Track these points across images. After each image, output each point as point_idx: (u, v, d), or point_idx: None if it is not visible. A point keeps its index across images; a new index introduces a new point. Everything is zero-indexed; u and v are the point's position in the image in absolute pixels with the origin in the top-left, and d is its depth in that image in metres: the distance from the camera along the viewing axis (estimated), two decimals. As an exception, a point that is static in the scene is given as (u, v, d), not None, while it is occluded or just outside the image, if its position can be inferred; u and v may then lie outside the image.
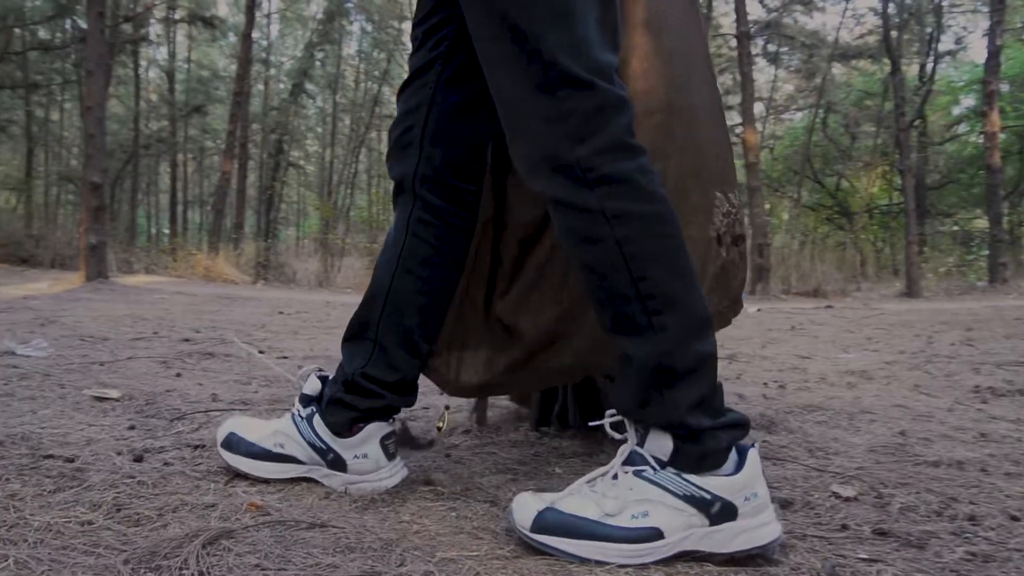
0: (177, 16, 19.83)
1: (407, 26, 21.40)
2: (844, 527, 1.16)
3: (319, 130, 24.82)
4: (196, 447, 1.55)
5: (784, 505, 1.26)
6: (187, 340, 3.42)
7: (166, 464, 1.43)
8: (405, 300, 1.29)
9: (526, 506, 1.04)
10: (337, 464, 1.30)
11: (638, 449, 1.04)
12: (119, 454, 1.48)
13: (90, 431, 1.71)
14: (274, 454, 1.32)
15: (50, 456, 1.43)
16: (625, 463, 1.05)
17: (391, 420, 1.33)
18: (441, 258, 1.28)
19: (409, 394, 1.34)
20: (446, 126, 1.23)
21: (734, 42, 13.44)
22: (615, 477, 1.05)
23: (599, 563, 0.99)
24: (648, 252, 1.01)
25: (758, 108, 18.70)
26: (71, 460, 1.41)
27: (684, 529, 1.00)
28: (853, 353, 3.76)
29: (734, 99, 17.85)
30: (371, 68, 23.05)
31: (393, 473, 1.31)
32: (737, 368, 3.13)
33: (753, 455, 1.03)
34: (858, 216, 16.67)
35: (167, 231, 23.60)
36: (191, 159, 25.10)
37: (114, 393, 2.13)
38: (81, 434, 1.67)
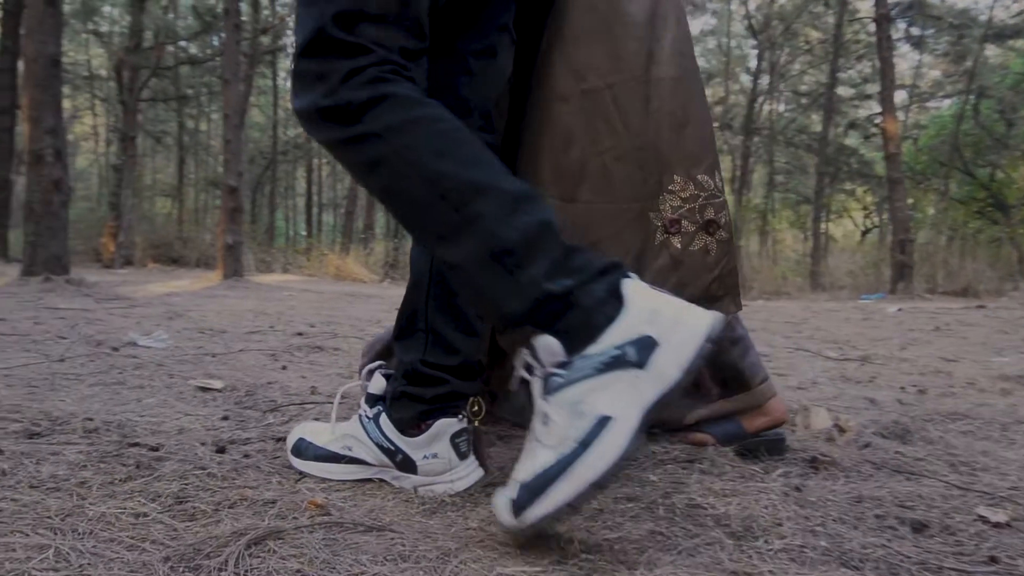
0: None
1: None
2: (992, 559, 0.97)
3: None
4: (279, 440, 1.51)
5: (917, 529, 1.07)
6: (300, 334, 3.47)
7: (245, 456, 1.39)
8: (450, 284, 1.21)
9: (501, 507, 0.96)
10: (407, 465, 1.22)
11: (546, 370, 0.96)
12: (203, 444, 1.46)
13: (184, 420, 1.71)
14: (342, 457, 1.26)
15: (136, 444, 1.42)
16: (543, 394, 0.96)
17: (460, 416, 1.23)
18: None
19: (473, 378, 1.25)
20: (449, 100, 1.14)
21: (872, 26, 12.61)
22: (545, 420, 0.95)
23: (589, 493, 0.90)
24: (433, 151, 0.98)
25: (900, 96, 17.54)
26: (155, 449, 1.40)
27: (629, 390, 0.91)
28: (1009, 356, 3.37)
29: (873, 87, 16.82)
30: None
31: (467, 473, 1.21)
32: (871, 371, 2.85)
33: (629, 283, 0.95)
34: (1015, 209, 15.30)
35: (303, 233, 24.73)
36: (325, 163, 26.17)
37: (217, 384, 2.16)
38: (175, 423, 1.67)
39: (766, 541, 0.99)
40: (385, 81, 0.99)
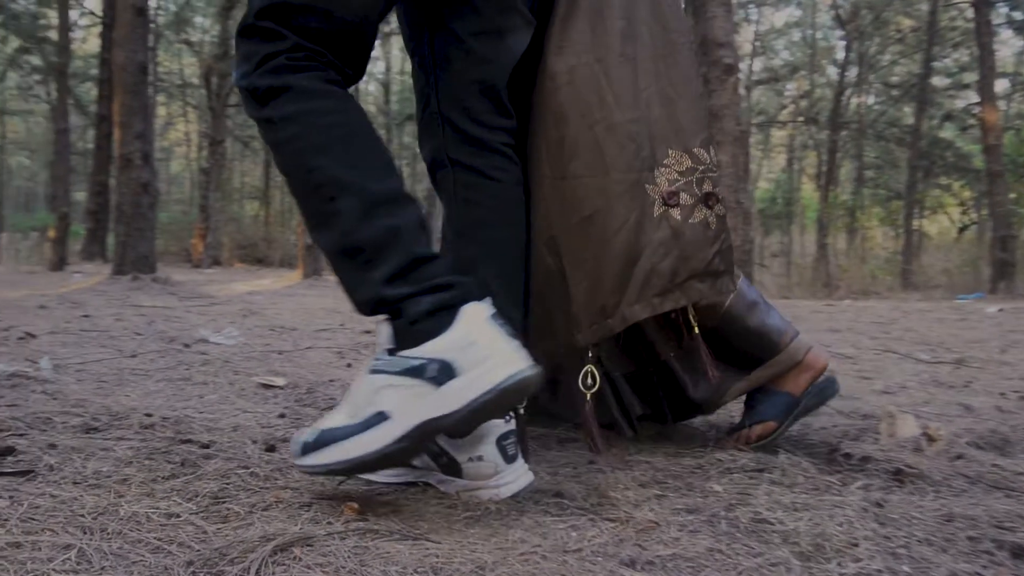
0: (387, 30, 20.99)
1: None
2: (1107, 593, 0.84)
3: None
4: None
5: (1018, 554, 0.95)
6: (368, 332, 3.47)
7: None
8: (479, 273, 1.16)
9: (295, 440, 1.06)
10: (451, 468, 1.16)
11: (379, 351, 1.05)
12: (254, 442, 1.43)
13: (241, 417, 1.70)
14: None
15: (188, 440, 1.41)
16: (368, 368, 1.05)
17: (507, 417, 1.17)
18: (497, 216, 1.19)
19: None
20: (451, 83, 1.17)
21: (970, 12, 11.95)
22: (355, 389, 1.06)
23: (350, 468, 1.02)
24: (314, 145, 1.03)
25: (1001, 84, 16.59)
26: (205, 446, 1.38)
27: (413, 400, 0.98)
28: (1125, 361, 3.09)
29: (970, 76, 15.96)
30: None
31: (514, 479, 1.15)
32: (966, 375, 2.65)
33: (469, 309, 1.01)
34: None
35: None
36: (404, 164, 26.54)
37: (280, 381, 2.15)
38: (232, 420, 1.66)
39: (839, 564, 0.89)
40: (291, 70, 1.04)
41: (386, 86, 24.40)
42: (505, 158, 1.22)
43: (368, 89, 28.48)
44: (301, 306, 4.92)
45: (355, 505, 1.03)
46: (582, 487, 1.18)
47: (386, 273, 1.02)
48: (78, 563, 0.82)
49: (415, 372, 0.99)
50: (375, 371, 1.03)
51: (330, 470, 1.02)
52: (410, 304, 1.01)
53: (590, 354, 1.26)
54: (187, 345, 2.72)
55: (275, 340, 3.03)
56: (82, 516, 0.95)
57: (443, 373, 0.98)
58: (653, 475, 1.27)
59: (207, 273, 10.52)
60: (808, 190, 22.32)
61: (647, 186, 1.21)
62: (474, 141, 1.19)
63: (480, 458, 1.14)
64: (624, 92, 1.22)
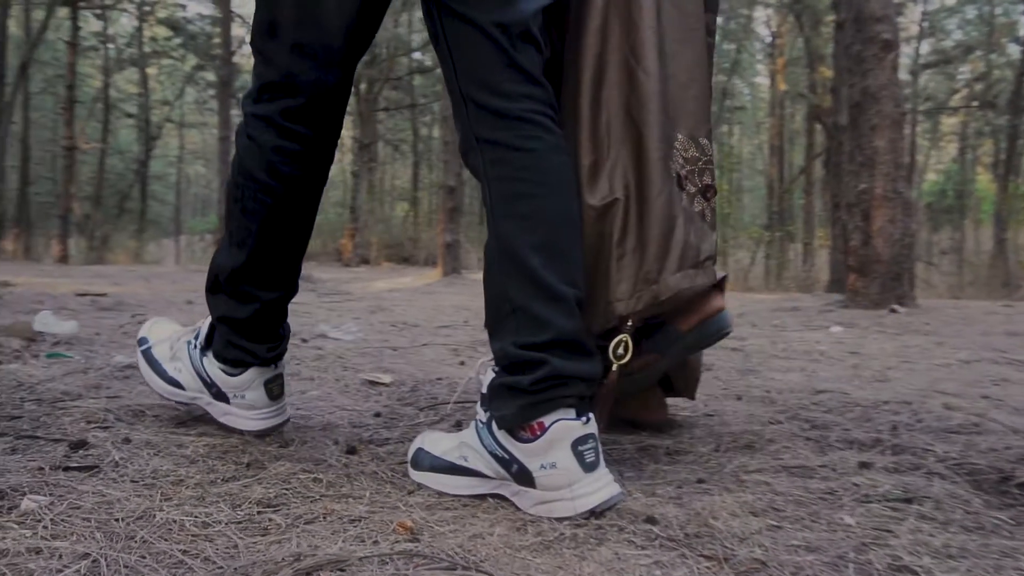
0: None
1: (758, 13, 20.39)
2: None
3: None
4: (411, 441, 1.38)
5: None
6: (491, 330, 3.38)
7: (374, 459, 1.26)
8: (517, 248, 1.05)
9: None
10: (524, 477, 1.02)
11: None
12: (335, 443, 1.35)
13: (336, 415, 1.63)
14: (458, 467, 1.09)
15: (266, 438, 1.34)
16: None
17: (584, 418, 1.01)
18: (532, 186, 1.09)
19: (581, 355, 1.04)
20: (466, 60, 1.12)
21: None
22: None
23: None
24: (253, 209, 1.25)
25: None
26: (284, 445, 1.32)
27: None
28: None
29: None
30: (720, 60, 22.34)
31: (593, 489, 0.99)
32: None
33: (254, 370, 1.34)
34: None
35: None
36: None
37: (386, 378, 2.09)
38: (324, 418, 1.59)
39: (1005, 638, 0.67)
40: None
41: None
42: (533, 125, 1.11)
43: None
44: (433, 303, 4.93)
45: (408, 523, 0.91)
46: (681, 512, 1.01)
47: (226, 312, 1.33)
48: (89, 571, 0.74)
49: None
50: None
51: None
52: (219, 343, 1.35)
53: (629, 323, 1.20)
54: (305, 340, 2.72)
55: (394, 336, 3.00)
56: (117, 521, 0.88)
57: (220, 396, 1.31)
58: (770, 500, 1.08)
59: (354, 271, 10.91)
60: (983, 181, 20.39)
61: (670, 162, 1.21)
62: (495, 112, 1.10)
63: (553, 465, 1.00)
64: (652, 65, 1.19)
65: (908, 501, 1.07)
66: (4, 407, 1.41)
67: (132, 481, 1.04)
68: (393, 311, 4.08)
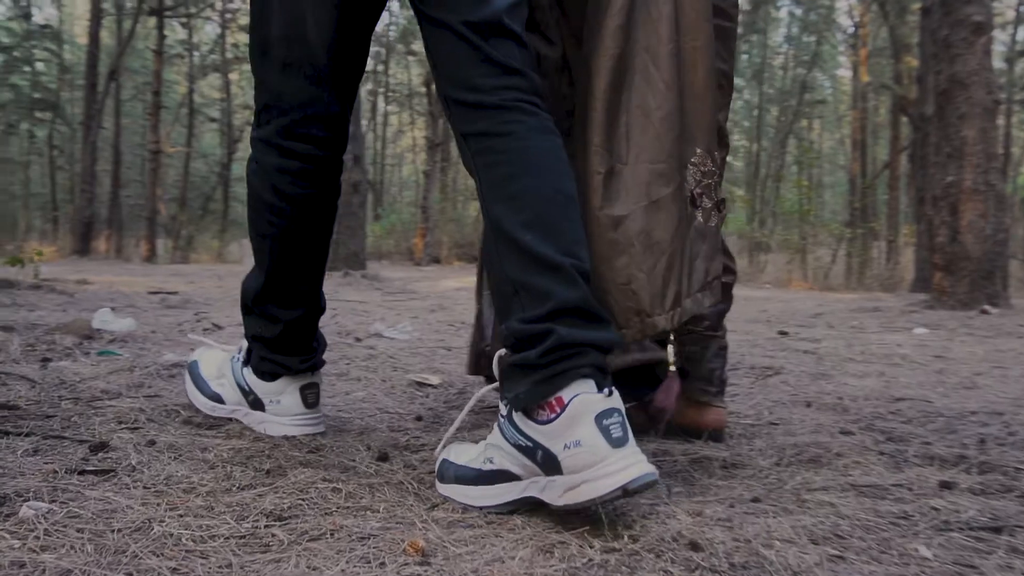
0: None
1: (840, 3, 19.71)
2: None
3: (745, 124, 24.10)
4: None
5: None
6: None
7: (406, 467, 1.20)
8: (509, 228, 1.02)
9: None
10: (550, 465, 0.94)
11: None
12: (368, 448, 1.29)
13: (376, 418, 1.58)
14: (484, 473, 1.01)
15: (295, 441, 1.29)
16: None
17: (606, 390, 0.95)
18: (518, 167, 1.05)
19: (585, 320, 0.99)
20: (446, 62, 1.12)
21: None
22: None
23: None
24: (263, 230, 1.29)
25: None
26: (314, 450, 1.26)
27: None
28: None
29: None
30: (800, 52, 21.68)
31: (624, 466, 0.91)
32: None
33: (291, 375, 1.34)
34: None
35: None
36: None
37: (435, 379, 2.02)
38: (364, 421, 1.54)
39: None
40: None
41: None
42: (512, 111, 1.08)
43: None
44: (496, 302, 4.86)
45: (420, 543, 0.83)
46: (729, 537, 0.90)
47: (257, 331, 1.35)
48: (59, 592, 0.69)
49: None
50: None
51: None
52: (252, 357, 1.39)
53: (672, 336, 1.26)
54: (359, 339, 2.68)
55: (449, 336, 2.94)
56: (113, 532, 0.83)
57: (256, 404, 1.30)
58: (834, 524, 0.96)
59: (423, 270, 10.96)
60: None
61: (684, 183, 1.17)
62: (474, 106, 1.09)
63: (578, 443, 0.92)
64: (672, 80, 1.15)
65: (997, 531, 0.94)
66: (41, 405, 1.40)
67: (144, 487, 1.00)
68: (453, 310, 4.03)
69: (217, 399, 1.42)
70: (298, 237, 1.29)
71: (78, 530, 0.83)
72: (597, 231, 1.13)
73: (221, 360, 1.46)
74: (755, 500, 1.07)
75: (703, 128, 1.19)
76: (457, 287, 6.98)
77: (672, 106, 1.16)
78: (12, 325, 2.21)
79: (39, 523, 0.83)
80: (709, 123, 1.20)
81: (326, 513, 0.94)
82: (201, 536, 0.83)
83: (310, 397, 1.37)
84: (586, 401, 0.93)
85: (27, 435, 1.20)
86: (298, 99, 1.20)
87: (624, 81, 1.15)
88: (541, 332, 0.97)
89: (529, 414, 0.97)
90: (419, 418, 1.60)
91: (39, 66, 20.81)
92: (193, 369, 1.48)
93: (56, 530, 0.82)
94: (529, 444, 0.96)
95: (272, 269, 1.30)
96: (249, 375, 1.38)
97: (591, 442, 0.91)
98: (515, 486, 0.99)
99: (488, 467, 1.00)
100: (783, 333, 3.50)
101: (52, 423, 1.28)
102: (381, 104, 22.94)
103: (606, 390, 0.95)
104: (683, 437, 1.45)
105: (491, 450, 1.02)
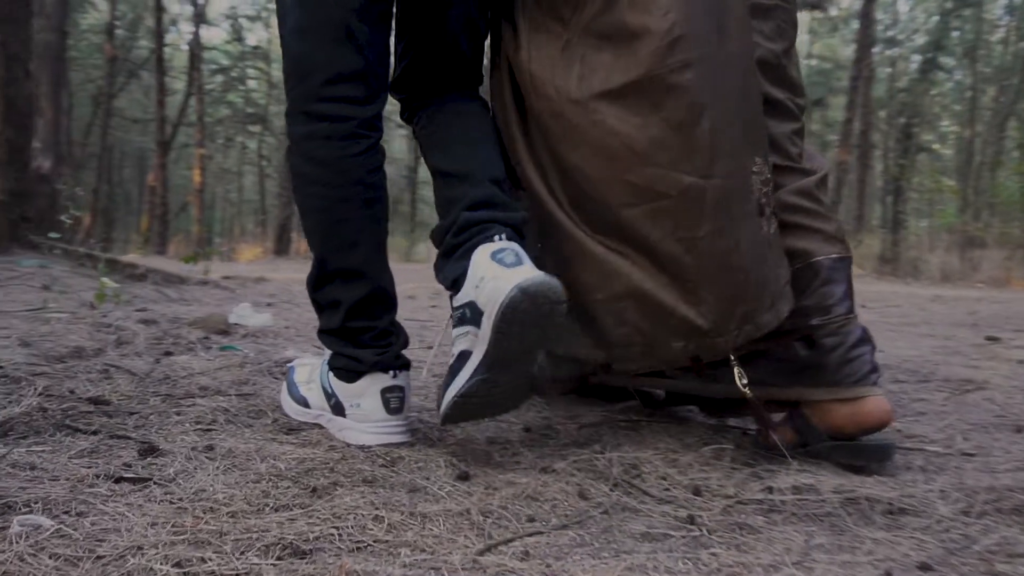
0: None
1: (1076, -38, 17.26)
2: None
3: (956, 108, 21.81)
4: (545, 471, 1.11)
5: None
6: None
7: (486, 490, 1.04)
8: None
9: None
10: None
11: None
12: (450, 465, 1.12)
13: (479, 427, 1.41)
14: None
15: (372, 453, 1.14)
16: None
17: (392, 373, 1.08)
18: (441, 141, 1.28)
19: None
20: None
21: None
22: None
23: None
24: (306, 205, 1.23)
25: None
26: (388, 464, 1.11)
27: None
28: None
29: None
30: (1023, 25, 19.24)
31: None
32: None
33: (371, 376, 1.22)
34: None
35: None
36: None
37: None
38: (466, 430, 1.37)
39: None
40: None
41: (792, 71, 22.93)
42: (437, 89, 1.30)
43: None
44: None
45: (348, 564, 0.64)
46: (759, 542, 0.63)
47: (319, 327, 1.28)
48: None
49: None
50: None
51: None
52: (332, 358, 1.27)
53: (732, 358, 1.19)
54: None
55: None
56: (92, 560, 0.71)
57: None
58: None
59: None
60: None
61: (751, 194, 1.14)
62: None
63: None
64: (734, 90, 1.13)
65: None
66: (130, 401, 1.35)
67: (168, 502, 0.88)
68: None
69: (303, 403, 1.32)
70: (340, 204, 1.20)
71: (52, 556, 0.71)
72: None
73: (315, 363, 1.37)
74: (924, 567, 0.79)
75: (759, 137, 1.17)
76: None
77: (741, 118, 1.13)
78: (156, 319, 2.26)
79: (16, 544, 0.72)
80: (763, 133, 1.18)
81: (350, 550, 0.78)
82: (183, 572, 0.69)
83: (392, 401, 1.23)
84: (484, 251, 1.10)
85: (94, 433, 1.14)
86: (319, 61, 1.16)
87: (708, 87, 1.10)
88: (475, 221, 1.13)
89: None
90: (527, 429, 1.41)
91: (251, 84, 22.74)
92: (290, 371, 1.39)
93: (31, 554, 0.71)
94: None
95: (323, 245, 1.22)
96: (332, 377, 1.27)
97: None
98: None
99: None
100: (992, 339, 2.97)
101: (127, 421, 1.22)
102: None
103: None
104: (837, 466, 1.16)
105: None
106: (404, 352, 1.28)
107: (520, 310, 1.03)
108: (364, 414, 1.23)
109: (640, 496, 1.03)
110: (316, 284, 1.26)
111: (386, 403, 1.23)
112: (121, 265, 3.45)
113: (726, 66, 1.11)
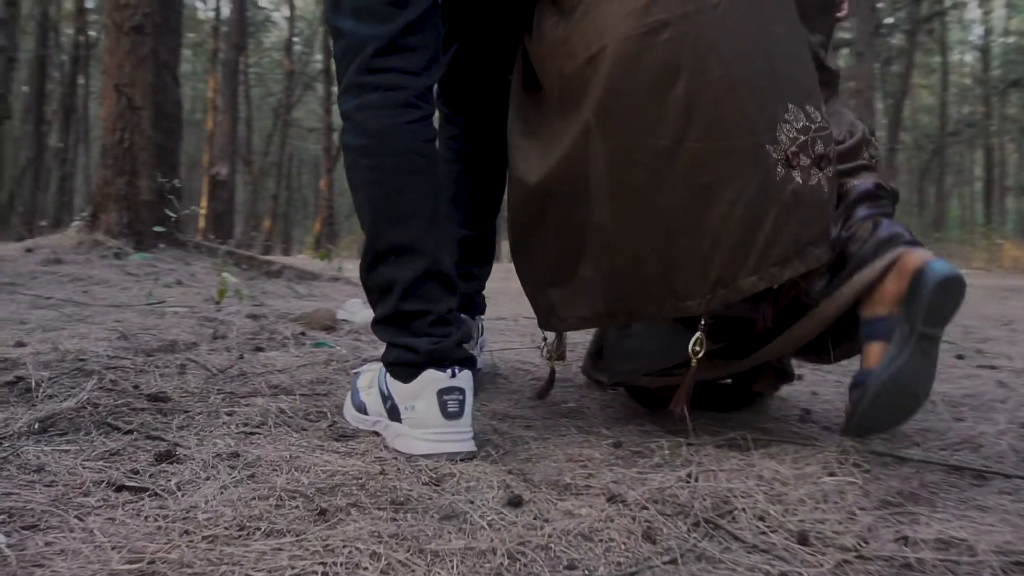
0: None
1: None
2: None
3: None
4: (613, 500, 0.91)
5: None
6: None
7: (534, 520, 0.85)
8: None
9: None
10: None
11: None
12: (506, 487, 0.95)
13: (565, 438, 1.22)
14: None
15: (418, 465, 1.00)
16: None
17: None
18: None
19: None
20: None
21: None
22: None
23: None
24: (358, 179, 1.15)
25: None
26: (434, 483, 0.96)
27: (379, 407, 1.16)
28: None
29: None
30: None
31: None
32: None
33: (427, 375, 1.08)
34: None
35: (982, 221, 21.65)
36: (1009, 141, 22.39)
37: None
38: (545, 443, 1.19)
39: None
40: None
41: (985, 51, 20.92)
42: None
43: (964, 60, 24.99)
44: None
45: None
46: None
47: (376, 315, 1.16)
48: None
49: (382, 396, 1.14)
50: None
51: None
52: (387, 351, 1.15)
53: (702, 322, 1.15)
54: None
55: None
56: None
57: (393, 413, 1.10)
58: None
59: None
60: None
61: (768, 147, 1.08)
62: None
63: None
64: (744, 42, 1.09)
65: None
66: (191, 398, 1.28)
67: (152, 519, 0.77)
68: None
69: (362, 409, 1.20)
70: (393, 175, 1.14)
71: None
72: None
73: (377, 368, 1.24)
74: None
75: (796, 84, 1.12)
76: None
77: (748, 72, 1.09)
78: (264, 314, 2.23)
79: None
80: (803, 78, 1.14)
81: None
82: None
83: (451, 404, 1.07)
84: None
85: (127, 432, 1.06)
86: (371, 35, 1.13)
87: (685, 50, 1.09)
88: None
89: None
90: (617, 444, 1.21)
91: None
92: (355, 377, 1.28)
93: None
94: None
95: (375, 221, 1.13)
96: (388, 377, 1.14)
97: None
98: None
99: None
100: None
101: (172, 420, 1.14)
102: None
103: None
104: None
105: None
106: (467, 347, 1.13)
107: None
108: (419, 419, 1.08)
109: (726, 541, 0.81)
110: (369, 266, 1.15)
111: (443, 406, 1.08)
112: (259, 262, 3.55)
113: (724, 21, 1.07)
